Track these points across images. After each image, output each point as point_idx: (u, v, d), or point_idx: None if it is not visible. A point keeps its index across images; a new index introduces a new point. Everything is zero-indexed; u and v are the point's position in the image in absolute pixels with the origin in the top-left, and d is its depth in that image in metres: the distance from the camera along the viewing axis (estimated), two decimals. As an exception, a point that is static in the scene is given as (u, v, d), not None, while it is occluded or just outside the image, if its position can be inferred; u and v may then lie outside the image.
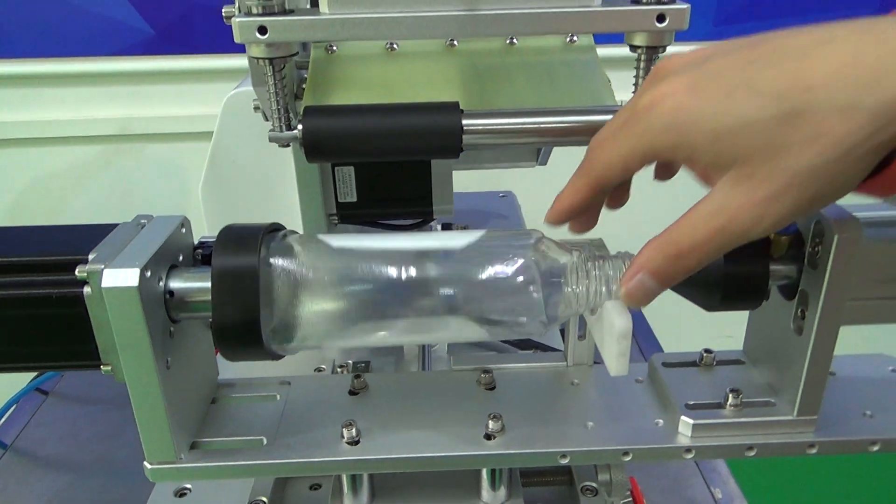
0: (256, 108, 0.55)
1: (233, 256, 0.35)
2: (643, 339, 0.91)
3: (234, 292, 0.35)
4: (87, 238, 0.38)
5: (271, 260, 0.37)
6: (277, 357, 0.37)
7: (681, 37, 0.42)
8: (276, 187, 0.66)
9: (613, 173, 0.34)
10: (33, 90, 1.43)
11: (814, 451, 0.41)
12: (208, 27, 1.39)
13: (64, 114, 1.46)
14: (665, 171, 0.38)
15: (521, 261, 0.37)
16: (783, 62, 0.28)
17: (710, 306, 0.40)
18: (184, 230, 0.41)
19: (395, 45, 0.54)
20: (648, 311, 0.96)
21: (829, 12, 1.50)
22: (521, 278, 0.37)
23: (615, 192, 0.39)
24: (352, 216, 0.66)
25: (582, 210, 0.36)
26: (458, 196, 1.15)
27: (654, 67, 0.33)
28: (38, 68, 1.40)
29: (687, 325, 1.08)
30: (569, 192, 0.36)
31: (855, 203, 0.41)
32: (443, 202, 0.68)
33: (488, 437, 0.41)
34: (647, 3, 0.42)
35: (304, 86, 0.52)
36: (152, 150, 1.51)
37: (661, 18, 0.42)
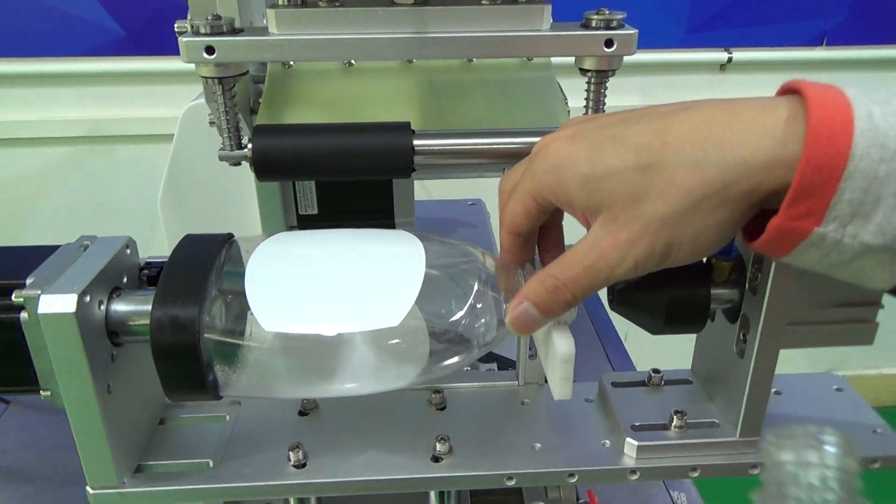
0: (212, 123, 0.54)
1: (171, 331, 0.35)
2: (613, 350, 0.92)
3: (175, 351, 0.35)
4: (27, 261, 0.38)
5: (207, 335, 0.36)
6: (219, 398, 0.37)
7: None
8: (235, 199, 0.66)
9: (519, 220, 0.36)
10: (1, 90, 1.41)
11: (756, 471, 0.42)
12: (179, 29, 1.38)
13: (33, 115, 1.44)
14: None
15: (470, 300, 0.37)
16: (648, 122, 0.31)
17: (654, 330, 0.40)
18: (128, 251, 0.41)
19: (352, 61, 0.54)
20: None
21: (799, 21, 1.52)
22: (466, 319, 0.37)
23: (546, 247, 0.40)
24: (313, 228, 0.66)
25: (521, 259, 0.38)
26: (427, 204, 1.15)
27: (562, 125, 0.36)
28: (6, 68, 1.38)
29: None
30: (501, 247, 0.39)
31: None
32: (404, 214, 0.68)
33: (436, 459, 0.41)
34: (595, 28, 0.42)
35: (260, 100, 0.52)
36: (123, 151, 1.50)
37: (609, 44, 0.42)
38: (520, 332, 0.36)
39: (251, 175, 0.62)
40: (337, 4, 0.43)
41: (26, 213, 1.53)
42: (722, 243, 0.31)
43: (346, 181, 0.64)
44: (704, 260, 0.40)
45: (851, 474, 0.27)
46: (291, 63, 0.53)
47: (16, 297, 0.35)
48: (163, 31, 1.40)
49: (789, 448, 0.28)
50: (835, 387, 0.47)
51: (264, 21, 0.55)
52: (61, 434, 0.77)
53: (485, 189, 1.15)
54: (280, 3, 0.43)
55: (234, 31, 0.42)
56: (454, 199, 1.09)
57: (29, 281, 0.36)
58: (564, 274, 0.34)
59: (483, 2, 0.43)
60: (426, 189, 1.36)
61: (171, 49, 1.41)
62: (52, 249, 0.40)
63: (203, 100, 0.62)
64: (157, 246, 0.73)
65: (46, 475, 0.71)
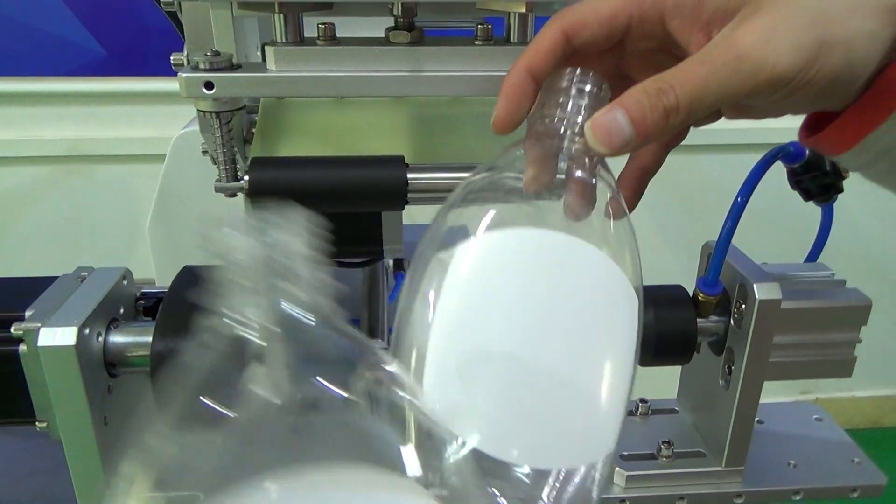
0: (204, 152, 0.55)
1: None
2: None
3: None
4: (24, 292, 0.38)
5: None
6: None
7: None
8: (225, 226, 0.66)
9: (598, 17, 0.30)
10: (-20, 109, 1.40)
11: (741, 500, 0.43)
12: (161, 50, 1.39)
13: (12, 133, 1.43)
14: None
15: None
16: None
17: (643, 362, 0.42)
18: (125, 282, 0.41)
19: (344, 94, 0.54)
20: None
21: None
22: None
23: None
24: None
25: (542, 73, 0.30)
26: (410, 228, 1.16)
27: None
28: (-15, 87, 1.37)
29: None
30: (530, 49, 0.30)
31: (775, 263, 0.43)
32: (392, 242, 0.69)
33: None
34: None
35: (254, 130, 0.53)
36: (103, 171, 1.49)
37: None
38: (600, 141, 0.27)
39: (241, 202, 0.63)
40: (334, 43, 0.44)
41: (3, 234, 1.51)
42: (870, 58, 0.27)
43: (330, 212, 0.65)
44: (691, 293, 0.41)
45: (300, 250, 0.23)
46: (284, 94, 0.54)
47: (15, 330, 0.35)
48: (145, 52, 1.40)
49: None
50: (814, 416, 0.49)
51: (258, 53, 0.57)
52: (39, 459, 0.76)
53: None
54: (279, 40, 0.44)
55: (233, 67, 0.43)
56: (438, 224, 1.09)
57: (28, 313, 0.36)
58: (675, 75, 0.27)
59: (476, 42, 0.45)
60: (409, 213, 1.36)
61: (152, 70, 1.41)
62: (49, 281, 0.40)
63: (193, 127, 0.63)
64: (138, 268, 0.72)
65: (23, 501, 0.70)
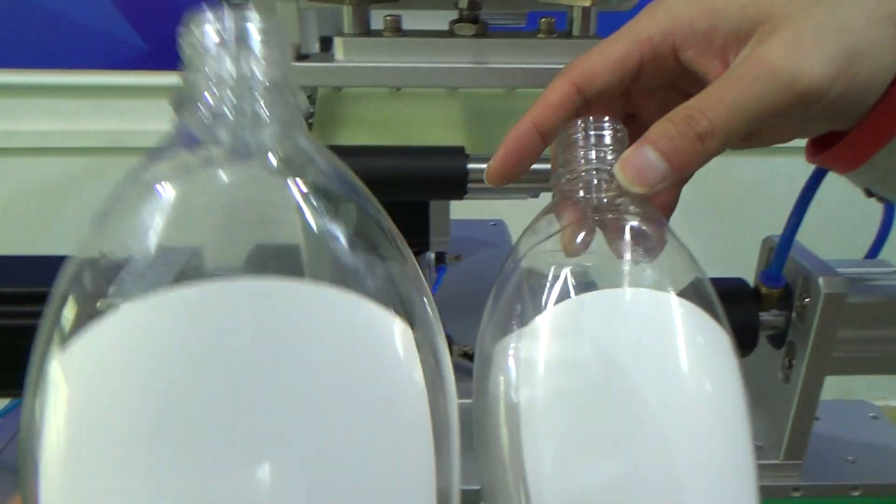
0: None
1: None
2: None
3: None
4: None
5: None
6: None
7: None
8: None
9: (607, 64, 0.28)
10: (24, 101, 1.43)
11: (798, 494, 0.43)
12: (204, 45, 1.41)
13: (55, 125, 1.46)
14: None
15: None
16: None
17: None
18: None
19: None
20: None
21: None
22: None
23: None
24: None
25: (550, 129, 0.29)
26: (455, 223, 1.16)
27: None
28: (30, 79, 1.40)
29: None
30: (538, 104, 0.29)
31: (841, 259, 0.43)
32: (440, 234, 0.70)
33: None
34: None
35: (310, 121, 0.54)
36: (143, 163, 1.51)
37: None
38: (633, 181, 0.25)
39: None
40: (400, 35, 0.44)
41: (45, 222, 1.54)
42: (892, 67, 0.26)
43: (383, 201, 0.66)
44: (752, 285, 0.42)
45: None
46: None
47: (100, 305, 0.36)
48: (186, 46, 1.43)
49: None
50: (870, 414, 0.49)
51: (316, 45, 0.58)
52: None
53: (505, 210, 1.17)
54: (347, 31, 0.44)
55: (301, 57, 0.44)
56: (476, 220, 1.10)
57: (111, 289, 0.37)
58: (702, 100, 0.26)
59: (538, 35, 0.45)
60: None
61: (193, 64, 1.43)
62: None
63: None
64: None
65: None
